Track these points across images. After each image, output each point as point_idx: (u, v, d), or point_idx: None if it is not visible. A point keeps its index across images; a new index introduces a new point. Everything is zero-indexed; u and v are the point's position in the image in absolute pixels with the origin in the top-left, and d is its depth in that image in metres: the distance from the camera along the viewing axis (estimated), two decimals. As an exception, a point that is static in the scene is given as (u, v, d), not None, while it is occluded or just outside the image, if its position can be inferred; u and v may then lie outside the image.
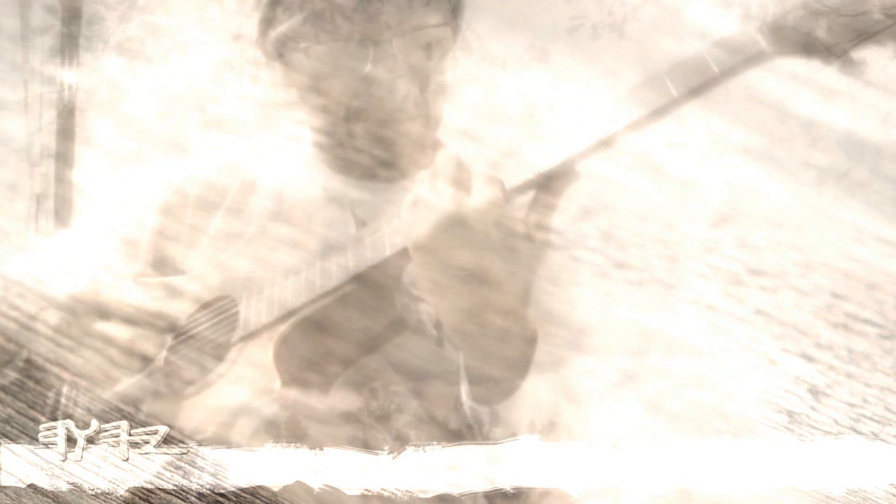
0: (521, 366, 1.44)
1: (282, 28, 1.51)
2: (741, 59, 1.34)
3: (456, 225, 1.34)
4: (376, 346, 1.50)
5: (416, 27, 1.49)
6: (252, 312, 1.52)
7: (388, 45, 1.48)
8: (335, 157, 1.56)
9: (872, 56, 1.39)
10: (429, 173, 1.38)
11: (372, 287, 1.47)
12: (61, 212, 1.71)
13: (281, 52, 1.53)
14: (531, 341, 1.43)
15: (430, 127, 1.54)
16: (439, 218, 1.35)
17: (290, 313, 1.49)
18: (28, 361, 1.55)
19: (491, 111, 1.63)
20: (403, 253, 1.41)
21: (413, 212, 1.38)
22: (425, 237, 1.36)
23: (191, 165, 1.67)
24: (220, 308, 1.54)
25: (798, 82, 1.64)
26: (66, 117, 1.73)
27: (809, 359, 1.60)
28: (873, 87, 1.56)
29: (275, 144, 1.61)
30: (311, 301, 1.48)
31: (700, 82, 1.35)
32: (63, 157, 1.72)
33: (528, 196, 1.39)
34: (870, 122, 1.63)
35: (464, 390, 1.47)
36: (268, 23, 1.54)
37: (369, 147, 1.52)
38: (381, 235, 1.44)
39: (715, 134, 1.65)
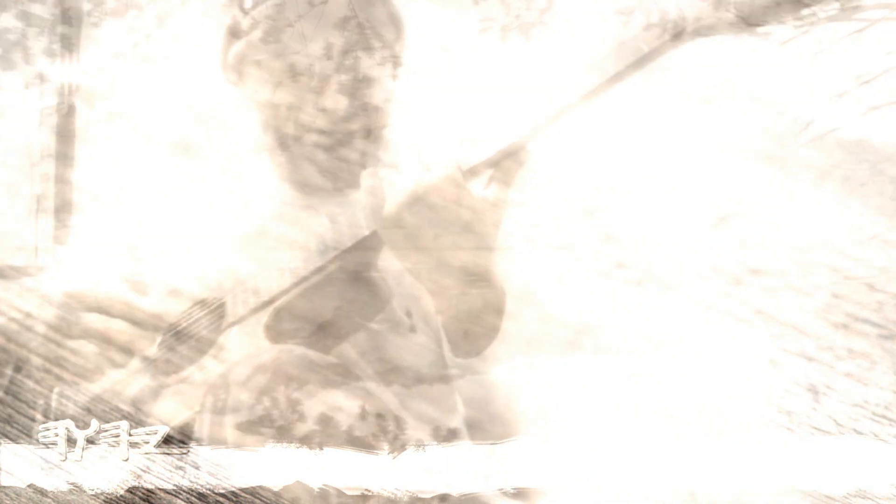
0: (493, 323, 1.53)
1: (240, 45, 1.61)
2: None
3: (417, 202, 1.46)
4: (354, 329, 1.56)
5: (362, 47, 1.60)
6: (239, 302, 1.55)
7: (333, 62, 1.59)
8: (295, 176, 1.62)
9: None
10: (383, 163, 1.50)
11: (351, 273, 1.53)
12: (61, 212, 1.71)
13: (240, 69, 1.61)
14: (501, 297, 1.52)
15: (378, 126, 1.62)
16: (402, 197, 1.46)
17: (278, 296, 1.54)
18: (18, 369, 1.56)
19: (446, 100, 1.68)
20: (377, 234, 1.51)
21: (372, 194, 1.48)
22: (391, 216, 1.47)
23: (189, 166, 1.67)
24: (209, 302, 1.56)
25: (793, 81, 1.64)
26: (66, 117, 1.73)
27: (809, 359, 1.60)
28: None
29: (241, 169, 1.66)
30: (296, 284, 1.53)
31: (633, 60, 1.44)
32: (63, 157, 1.72)
33: (486, 174, 1.49)
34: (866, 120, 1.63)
35: (445, 349, 1.55)
36: (233, 33, 1.62)
37: (324, 160, 1.60)
38: (356, 218, 1.53)
39: (714, 134, 1.65)
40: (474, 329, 1.53)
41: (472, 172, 1.47)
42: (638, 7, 1.58)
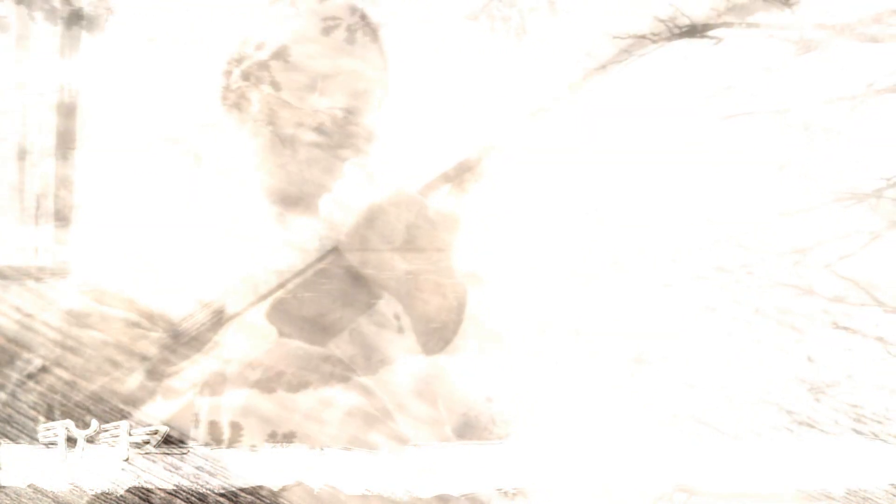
0: (455, 320, 1.57)
1: (246, 64, 1.65)
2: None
3: (375, 217, 1.52)
4: (347, 323, 1.58)
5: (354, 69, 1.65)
6: (239, 299, 1.56)
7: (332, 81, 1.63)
8: (291, 175, 1.64)
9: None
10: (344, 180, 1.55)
11: (345, 269, 1.55)
12: (61, 212, 1.71)
13: (241, 93, 1.65)
14: (461, 301, 1.57)
15: (365, 131, 1.65)
16: (359, 214, 1.52)
17: (273, 290, 1.55)
18: (18, 369, 1.56)
19: (409, 117, 1.69)
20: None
21: (332, 211, 1.54)
22: (351, 231, 1.53)
23: (188, 165, 1.68)
24: (208, 301, 1.57)
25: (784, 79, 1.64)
26: (66, 117, 1.73)
27: (809, 359, 1.60)
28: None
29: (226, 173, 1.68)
30: (292, 278, 1.55)
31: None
32: (63, 157, 1.72)
33: (444, 188, 1.55)
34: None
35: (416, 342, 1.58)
36: (237, 62, 1.67)
37: (317, 160, 1.62)
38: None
39: (713, 134, 1.65)
40: (438, 324, 1.55)
41: (428, 188, 1.52)
42: (482, 12, 1.62)
